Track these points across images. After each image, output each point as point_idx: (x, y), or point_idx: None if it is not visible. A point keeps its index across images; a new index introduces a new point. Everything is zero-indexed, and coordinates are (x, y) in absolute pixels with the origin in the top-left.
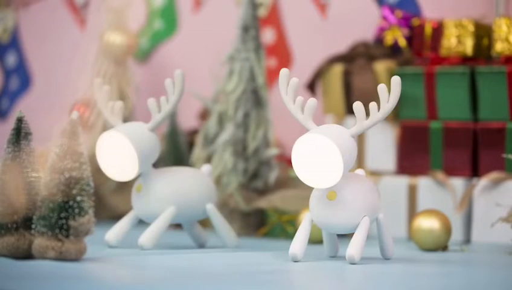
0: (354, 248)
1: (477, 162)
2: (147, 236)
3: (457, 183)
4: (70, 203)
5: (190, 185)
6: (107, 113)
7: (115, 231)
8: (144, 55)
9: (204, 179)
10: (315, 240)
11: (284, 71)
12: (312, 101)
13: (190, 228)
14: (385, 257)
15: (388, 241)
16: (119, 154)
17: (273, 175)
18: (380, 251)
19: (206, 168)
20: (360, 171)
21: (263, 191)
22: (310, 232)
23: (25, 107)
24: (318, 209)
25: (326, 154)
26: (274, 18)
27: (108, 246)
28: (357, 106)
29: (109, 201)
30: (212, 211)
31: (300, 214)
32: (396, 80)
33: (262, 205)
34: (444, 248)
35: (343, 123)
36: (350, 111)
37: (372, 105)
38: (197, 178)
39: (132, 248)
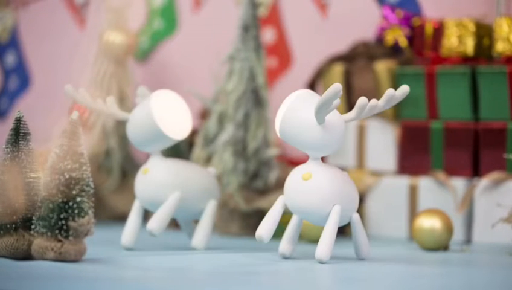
0: (321, 248)
1: (478, 162)
2: (155, 221)
3: (458, 183)
4: (70, 203)
5: (196, 177)
6: (102, 107)
7: (129, 233)
8: (144, 55)
9: (210, 177)
10: (314, 239)
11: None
12: None
13: (187, 226)
14: (360, 257)
15: (363, 241)
16: (176, 113)
17: (273, 175)
18: (355, 250)
19: (211, 169)
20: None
21: (263, 191)
22: (281, 215)
23: (24, 107)
24: (291, 190)
25: None
26: (274, 18)
27: (126, 249)
28: (362, 101)
29: (109, 202)
30: (211, 207)
31: None
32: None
33: (262, 205)
34: (446, 247)
35: None
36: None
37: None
38: (204, 173)
39: (131, 248)
